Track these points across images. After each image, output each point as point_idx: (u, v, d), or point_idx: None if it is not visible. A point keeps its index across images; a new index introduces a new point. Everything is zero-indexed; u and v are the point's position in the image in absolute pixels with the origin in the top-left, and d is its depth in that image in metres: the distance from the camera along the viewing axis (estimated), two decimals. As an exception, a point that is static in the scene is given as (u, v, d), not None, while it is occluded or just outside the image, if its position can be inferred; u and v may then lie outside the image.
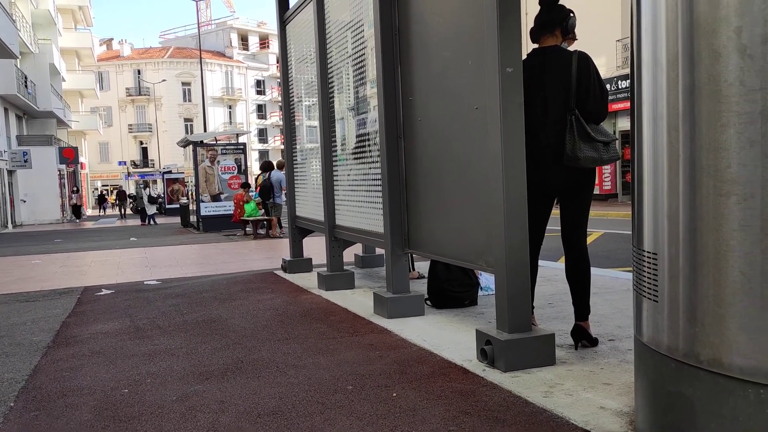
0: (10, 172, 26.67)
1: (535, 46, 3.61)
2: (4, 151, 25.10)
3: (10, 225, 25.53)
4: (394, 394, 2.93)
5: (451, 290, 4.78)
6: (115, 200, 39.55)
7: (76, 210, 30.59)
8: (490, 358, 3.19)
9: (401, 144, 4.56)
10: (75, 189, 32.76)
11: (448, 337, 3.95)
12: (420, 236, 4.39)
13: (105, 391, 3.24)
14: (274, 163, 14.62)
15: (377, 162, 4.93)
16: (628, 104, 21.16)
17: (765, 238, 1.66)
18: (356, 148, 5.53)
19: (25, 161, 26.05)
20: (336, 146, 6.04)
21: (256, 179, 16.19)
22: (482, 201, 3.42)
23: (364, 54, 5.25)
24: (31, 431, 2.73)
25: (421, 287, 5.34)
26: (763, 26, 1.62)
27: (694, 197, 1.82)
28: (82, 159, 40.67)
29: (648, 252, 2.05)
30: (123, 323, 5.02)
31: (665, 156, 1.92)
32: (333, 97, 6.01)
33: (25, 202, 28.45)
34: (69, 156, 28.72)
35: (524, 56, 3.36)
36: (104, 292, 6.79)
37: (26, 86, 27.95)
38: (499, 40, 3.12)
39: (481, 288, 5.09)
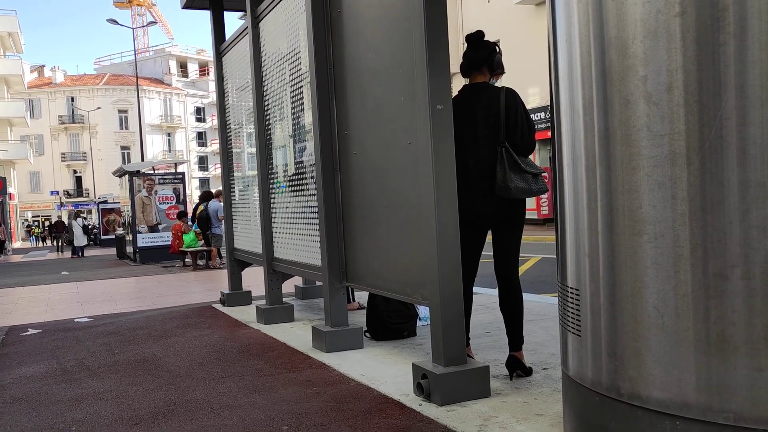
0: (-68, 204, 25.39)
1: (465, 82, 3.71)
2: (-75, 183, 23.89)
3: (-70, 260, 24.20)
4: (331, 434, 2.90)
5: (390, 322, 4.78)
6: (48, 232, 37.87)
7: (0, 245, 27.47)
8: (426, 392, 3.20)
9: (338, 176, 4.57)
10: None
11: (386, 370, 3.94)
12: (357, 269, 4.39)
13: (26, 441, 3.09)
14: (214, 192, 14.39)
15: (314, 194, 4.92)
16: (562, 131, 21.93)
17: (675, 275, 1.74)
18: (294, 179, 5.52)
19: (-52, 192, 24.84)
20: (274, 176, 6.00)
21: (195, 209, 15.89)
22: (416, 234, 3.46)
23: (301, 84, 5.27)
24: (-59, 491, 2.57)
25: (361, 318, 5.33)
26: (667, 75, 1.72)
27: (611, 236, 1.90)
28: (10, 189, 39.02)
29: (571, 288, 2.11)
30: (49, 365, 4.80)
31: (584, 196, 1.99)
32: (270, 127, 5.99)
33: (-53, 235, 27.03)
34: (-4, 186, 27.56)
35: (455, 91, 3.45)
36: (30, 332, 6.49)
37: (-50, 114, 26.76)
38: (428, 78, 3.19)
39: (420, 319, 5.12)
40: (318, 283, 7.35)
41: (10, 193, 37.77)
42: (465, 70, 3.67)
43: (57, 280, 13.22)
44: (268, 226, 6.02)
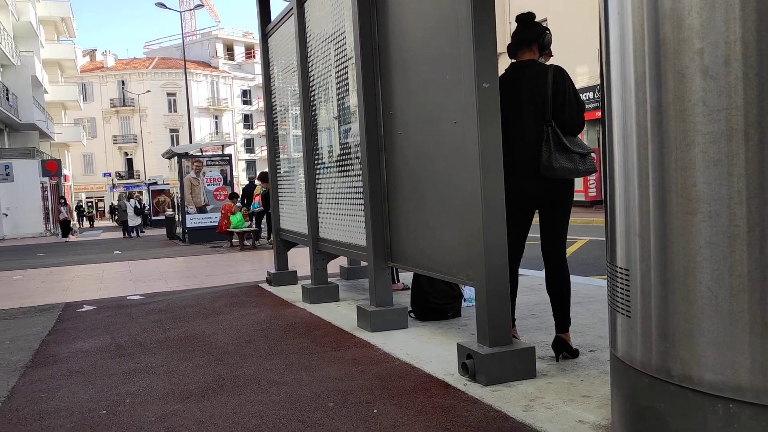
0: (-7, 186, 26.42)
1: (513, 61, 3.65)
2: (-14, 165, 24.87)
3: (-8, 239, 25.27)
4: (375, 411, 2.93)
5: (435, 302, 4.79)
6: (111, 212, 37.94)
7: (65, 226, 25.41)
8: (471, 372, 3.19)
9: (383, 157, 4.57)
10: (62, 201, 28.76)
11: (431, 350, 3.95)
12: (402, 249, 4.40)
13: (83, 412, 3.21)
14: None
15: (359, 175, 4.94)
16: (610, 111, 21.38)
17: (731, 255, 1.68)
18: (340, 160, 5.54)
19: (7, 174, 25.80)
20: (320, 158, 6.04)
21: (249, 188, 16.13)
22: (462, 214, 3.44)
23: (346, 65, 5.27)
24: (7, 456, 2.70)
25: (405, 299, 5.35)
26: (725, 48, 1.65)
27: (663, 215, 1.85)
28: (65, 171, 40.33)
29: (621, 268, 2.07)
30: (104, 341, 4.97)
31: (635, 174, 1.94)
32: (315, 109, 6.02)
33: (7, 215, 28.14)
34: (52, 169, 28.47)
35: (502, 71, 3.39)
36: (86, 308, 6.72)
37: (7, 99, 27.73)
38: (475, 56, 3.14)
39: (465, 299, 5.11)
40: (362, 264, 7.40)
41: (65, 175, 39.06)
42: (513, 49, 3.61)
43: (110, 259, 13.65)
44: (314, 207, 6.07)
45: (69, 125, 46.67)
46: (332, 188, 5.78)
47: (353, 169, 5.17)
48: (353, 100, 5.16)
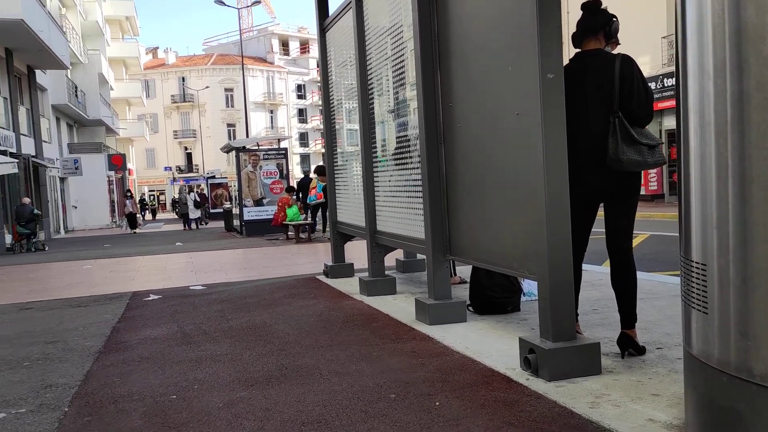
0: (62, 179, 27.57)
1: (577, 50, 3.57)
2: (57, 159, 25.96)
3: (62, 230, 26.39)
4: (437, 403, 2.93)
5: (494, 296, 4.74)
6: (172, 205, 38.50)
7: (132, 219, 25.30)
8: (534, 367, 3.16)
9: (441, 150, 4.55)
10: (128, 194, 28.14)
11: (491, 344, 3.92)
12: (461, 242, 4.38)
13: (154, 397, 3.33)
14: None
15: (418, 168, 4.93)
16: (673, 102, 20.62)
17: (819, 249, 1.60)
18: (397, 153, 5.55)
19: (76, 168, 26.87)
20: (377, 151, 6.06)
21: (304, 182, 16.34)
22: (524, 207, 3.39)
23: (403, 57, 5.27)
24: (84, 437, 2.82)
25: (462, 292, 5.32)
26: (815, 32, 1.57)
27: (743, 206, 1.78)
28: (129, 165, 41.73)
29: (697, 262, 2.00)
30: (170, 329, 5.13)
31: (713, 164, 1.87)
32: (373, 101, 6.04)
33: (76, 208, 29.36)
34: (117, 163, 29.53)
35: (566, 61, 3.32)
36: (152, 297, 6.95)
37: (76, 96, 28.86)
38: (539, 46, 3.09)
39: (524, 294, 5.04)
40: (419, 257, 7.40)
41: (129, 169, 40.44)
42: (578, 38, 3.53)
43: (172, 250, 14.06)
44: (371, 200, 6.10)
45: (133, 121, 48.25)
46: (389, 181, 5.80)
47: (411, 162, 5.16)
48: (411, 92, 5.15)
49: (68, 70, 25.82)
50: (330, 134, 7.66)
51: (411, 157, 5.18)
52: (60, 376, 3.83)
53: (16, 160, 17.42)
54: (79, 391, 3.51)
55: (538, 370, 3.14)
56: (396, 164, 5.58)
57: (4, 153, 17.53)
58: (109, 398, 3.35)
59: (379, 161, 6.01)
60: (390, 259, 7.32)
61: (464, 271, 6.48)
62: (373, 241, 6.11)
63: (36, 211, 17.66)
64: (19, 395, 3.48)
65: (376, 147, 6.07)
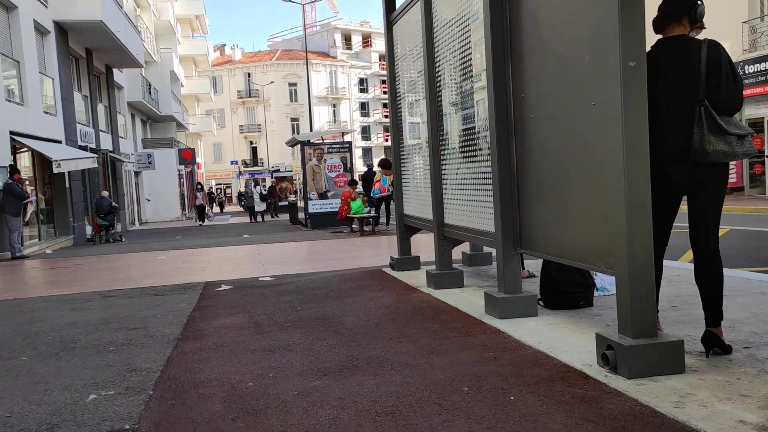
0: (137, 173, 28.69)
1: (659, 36, 3.44)
2: (132, 154, 27.02)
3: (137, 222, 27.48)
4: (512, 398, 2.90)
5: (566, 291, 4.65)
6: (238, 198, 39.02)
7: (201, 211, 25.68)
8: (612, 364, 3.07)
9: (513, 141, 4.48)
10: (199, 186, 28.56)
11: (564, 339, 3.85)
12: (533, 236, 4.31)
13: (232, 383, 3.42)
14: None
15: (487, 160, 4.87)
16: (755, 90, 19.67)
17: None
18: (464, 145, 5.50)
19: (149, 163, 27.92)
20: (445, 143, 6.03)
21: (368, 175, 16.45)
22: (602, 199, 3.30)
23: (469, 49, 5.22)
24: (169, 419, 2.93)
25: (531, 286, 5.24)
26: None
27: None
28: (198, 159, 43.00)
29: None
30: (243, 318, 5.26)
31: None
32: (441, 94, 6.00)
33: (149, 201, 30.51)
34: (187, 157, 30.47)
35: (647, 47, 3.21)
36: (223, 287, 7.14)
37: (150, 93, 29.95)
38: (620, 33, 2.99)
39: (597, 288, 4.92)
40: (486, 250, 7.33)
41: (198, 163, 41.68)
42: (660, 23, 3.40)
43: (240, 242, 14.42)
44: (439, 193, 6.08)
45: (201, 116, 49.71)
46: (457, 174, 5.75)
47: (480, 154, 5.11)
48: (481, 83, 5.09)
49: (142, 69, 26.79)
50: (396, 127, 7.67)
51: (480, 149, 5.13)
52: (143, 361, 3.99)
53: (96, 155, 18.23)
54: (161, 375, 3.65)
55: (617, 367, 3.06)
56: (464, 157, 5.53)
57: (85, 148, 18.38)
58: (190, 383, 3.47)
59: (448, 154, 5.97)
60: (456, 253, 7.29)
61: (532, 264, 6.38)
62: (441, 234, 6.09)
63: (114, 203, 18.44)
64: (107, 378, 3.65)
65: (444, 139, 6.04)
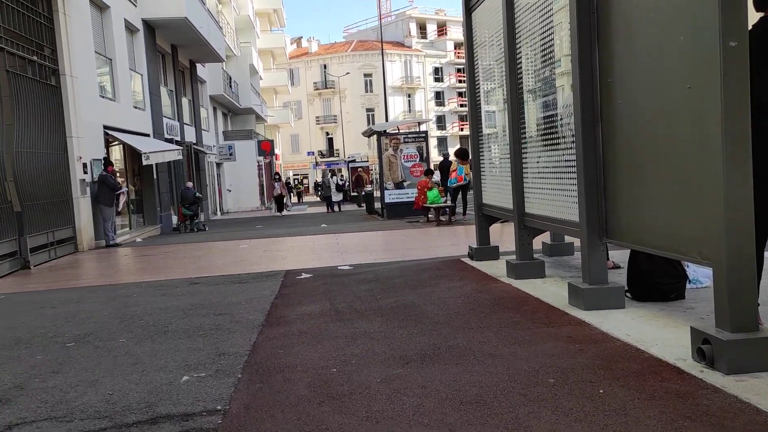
0: (218, 165, 29.68)
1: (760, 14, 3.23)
2: (213, 146, 27.97)
3: (218, 212, 28.46)
4: (601, 391, 2.82)
5: (656, 282, 4.47)
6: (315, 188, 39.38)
7: (279, 201, 26.19)
8: (709, 359, 2.94)
9: (598, 128, 4.34)
10: (277, 177, 29.04)
11: (655, 332, 3.71)
12: (620, 225, 4.16)
13: (316, 369, 3.49)
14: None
15: (571, 147, 4.74)
16: None
17: None
18: (545, 132, 5.37)
19: (230, 154, 28.81)
20: (525, 131, 5.91)
21: (446, 164, 16.39)
22: (697, 187, 3.15)
23: (552, 34, 5.08)
24: (258, 402, 3.03)
25: (616, 278, 5.06)
26: None
27: None
28: (276, 150, 44.01)
29: None
30: (324, 306, 5.36)
31: None
32: (521, 80, 5.88)
33: (230, 191, 31.51)
34: (266, 148, 31.25)
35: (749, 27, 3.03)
36: (304, 276, 7.29)
37: (230, 86, 30.87)
38: (720, 12, 2.83)
39: (690, 280, 4.71)
40: (567, 240, 7.16)
41: (276, 154, 42.67)
42: (762, 1, 3.19)
43: (318, 231, 14.67)
44: (519, 182, 5.97)
45: (279, 108, 50.83)
46: (538, 162, 5.63)
47: (563, 141, 4.97)
48: (564, 68, 4.95)
49: (223, 63, 27.64)
50: (475, 116, 7.57)
51: (562, 137, 4.99)
52: (231, 346, 4.14)
53: (181, 147, 18.99)
54: (248, 360, 3.77)
55: (714, 362, 2.92)
56: (545, 144, 5.40)
57: (170, 141, 19.17)
58: (275, 368, 3.57)
59: (529, 141, 5.85)
60: (536, 243, 7.15)
61: (617, 255, 6.18)
62: (521, 224, 5.98)
63: (198, 194, 19.15)
64: (198, 361, 3.80)
65: (524, 127, 5.92)
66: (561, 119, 5.01)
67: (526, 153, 5.89)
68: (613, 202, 4.24)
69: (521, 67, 5.85)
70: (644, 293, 4.53)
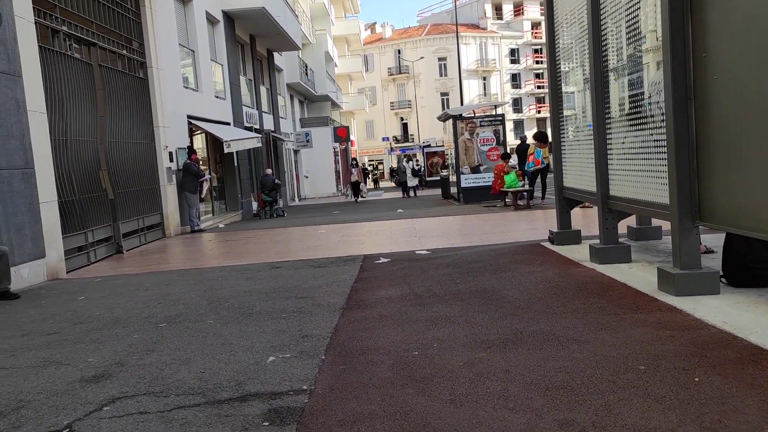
0: (295, 152, 30.27)
1: None
2: (291, 133, 28.53)
3: (296, 198, 29.07)
4: (696, 379, 2.70)
5: (754, 267, 4.23)
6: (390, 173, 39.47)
7: (356, 187, 25.63)
8: (816, 349, 2.76)
9: (691, 106, 4.13)
10: (354, 162, 28.92)
11: (755, 319, 3.51)
12: (714, 207, 3.96)
13: (398, 352, 3.52)
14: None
15: (660, 126, 4.54)
16: None
17: None
18: (632, 112, 5.16)
19: (307, 141, 29.30)
20: (610, 111, 5.70)
21: (522, 148, 16.08)
22: (803, 166, 2.94)
23: (638, 8, 4.85)
24: (342, 383, 3.08)
25: (709, 263, 4.83)
26: None
27: None
28: (352, 137, 44.41)
29: None
30: (403, 290, 5.37)
31: None
32: (606, 58, 5.66)
33: (307, 178, 32.10)
34: (342, 135, 31.60)
35: None
36: (382, 260, 7.33)
37: (306, 74, 31.33)
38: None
39: (791, 266, 4.42)
40: (654, 224, 6.88)
41: (351, 140, 43.08)
42: None
43: (394, 216, 14.72)
44: (603, 163, 5.77)
45: (354, 95, 51.22)
46: (623, 142, 5.42)
47: (652, 120, 4.76)
48: (650, 43, 4.73)
49: (299, 51, 28.06)
50: (555, 97, 7.37)
51: (651, 115, 4.78)
52: (313, 328, 4.22)
53: (260, 135, 19.46)
54: (331, 342, 3.84)
55: (821, 352, 2.74)
56: (631, 124, 5.19)
57: (250, 129, 19.68)
58: (358, 350, 3.61)
59: (613, 122, 5.64)
60: (620, 227, 6.91)
61: (709, 239, 5.88)
62: (605, 207, 5.79)
63: (277, 180, 19.60)
64: (282, 342, 3.90)
65: (609, 107, 5.70)
66: (649, 97, 4.80)
67: (610, 133, 5.68)
68: (706, 184, 4.03)
69: (606, 44, 5.63)
70: (741, 279, 4.30)
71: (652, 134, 4.76)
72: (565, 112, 7.27)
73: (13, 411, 3.02)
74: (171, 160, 13.06)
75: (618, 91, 5.54)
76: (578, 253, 6.44)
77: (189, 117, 14.63)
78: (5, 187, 7.09)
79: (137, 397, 3.09)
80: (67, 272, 8.22)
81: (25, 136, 7.55)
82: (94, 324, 4.87)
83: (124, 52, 11.30)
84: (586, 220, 9.41)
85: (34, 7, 8.07)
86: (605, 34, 5.62)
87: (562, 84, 7.23)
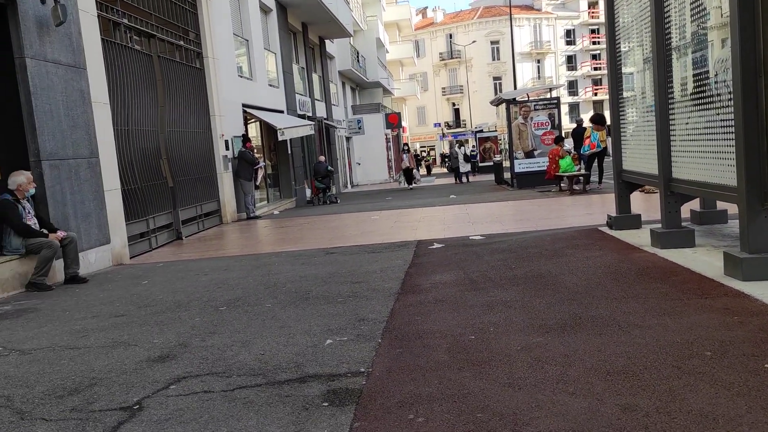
0: (348, 139, 30.42)
1: None
2: (343, 120, 28.68)
3: (349, 185, 29.27)
4: (766, 366, 2.60)
5: (828, 252, 4.04)
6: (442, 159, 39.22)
7: (408, 173, 24.67)
8: None
9: (761, 83, 3.95)
10: (405, 148, 28.13)
11: (828, 306, 3.36)
12: (786, 189, 3.78)
13: (454, 336, 3.51)
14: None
15: (727, 106, 4.36)
16: None
17: None
18: (696, 91, 4.97)
19: (359, 128, 29.42)
20: (672, 91, 5.50)
21: (578, 131, 15.74)
22: None
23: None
24: (399, 365, 3.10)
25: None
26: None
27: None
28: (403, 123, 44.33)
29: None
30: (457, 275, 5.36)
31: None
32: (670, 36, 5.46)
33: (359, 164, 32.24)
34: (393, 121, 31.57)
35: None
36: (435, 245, 7.32)
37: (358, 61, 31.38)
38: None
39: None
40: (719, 207, 6.64)
41: (403, 127, 43.00)
42: None
43: (447, 202, 14.65)
44: (666, 145, 5.58)
45: (405, 80, 51.02)
46: (687, 123, 5.23)
47: (718, 100, 4.58)
48: (714, 22, 4.53)
49: (351, 38, 28.11)
50: (615, 78, 7.16)
51: (717, 94, 4.60)
52: (369, 312, 4.26)
53: (313, 123, 19.64)
54: (387, 325, 3.87)
55: None
56: (695, 104, 5.01)
57: (303, 117, 19.88)
58: (414, 334, 3.63)
59: (675, 102, 5.45)
60: (683, 210, 6.70)
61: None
62: (668, 190, 5.61)
63: (329, 167, 19.77)
64: (339, 326, 3.95)
65: (671, 87, 5.51)
66: (715, 75, 4.62)
67: (673, 114, 5.49)
68: (777, 164, 3.86)
69: (669, 22, 5.43)
70: (814, 264, 4.10)
71: (718, 114, 4.58)
72: (625, 94, 7.06)
73: (87, 388, 3.16)
74: (227, 149, 13.33)
75: (681, 70, 5.35)
76: (638, 237, 6.27)
77: (244, 105, 14.87)
78: (73, 176, 7.39)
79: (201, 376, 3.18)
80: (131, 258, 8.52)
81: (90, 127, 7.83)
82: (158, 307, 5.04)
83: (182, 43, 11.55)
84: (647, 203, 9.15)
85: (96, 1, 8.34)
86: (668, 11, 5.42)
87: (622, 65, 7.02)
